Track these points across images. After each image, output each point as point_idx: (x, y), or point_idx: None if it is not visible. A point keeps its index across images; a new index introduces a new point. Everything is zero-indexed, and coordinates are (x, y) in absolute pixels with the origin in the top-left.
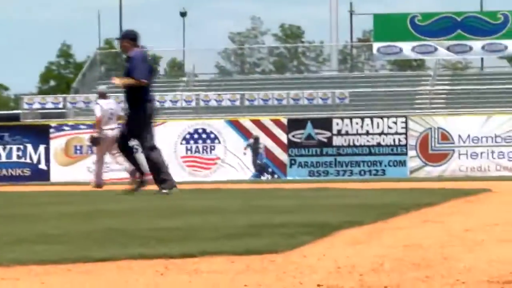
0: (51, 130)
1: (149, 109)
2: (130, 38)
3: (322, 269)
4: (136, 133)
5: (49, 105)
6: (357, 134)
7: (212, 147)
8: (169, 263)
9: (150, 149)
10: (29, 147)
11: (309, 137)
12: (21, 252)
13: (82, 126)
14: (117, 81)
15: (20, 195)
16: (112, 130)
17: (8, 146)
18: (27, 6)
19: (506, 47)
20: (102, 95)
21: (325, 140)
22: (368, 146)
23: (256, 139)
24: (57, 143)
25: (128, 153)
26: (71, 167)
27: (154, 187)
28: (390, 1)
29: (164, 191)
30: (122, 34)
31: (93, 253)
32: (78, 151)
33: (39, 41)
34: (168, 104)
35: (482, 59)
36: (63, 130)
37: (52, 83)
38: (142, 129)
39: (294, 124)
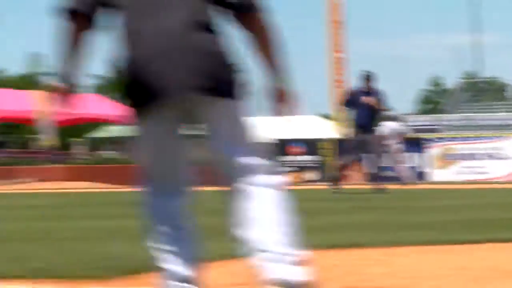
0: (423, 142)
1: None
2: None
3: None
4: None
5: (424, 122)
6: None
7: None
8: None
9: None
10: (410, 155)
11: None
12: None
13: (452, 139)
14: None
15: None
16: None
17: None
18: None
19: None
20: (391, 119)
21: None
22: None
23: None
24: (434, 151)
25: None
26: (445, 170)
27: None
28: None
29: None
30: (373, 75)
31: (459, 237)
32: (450, 157)
33: (410, 74)
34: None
35: None
36: (436, 142)
37: (429, 105)
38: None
39: None
